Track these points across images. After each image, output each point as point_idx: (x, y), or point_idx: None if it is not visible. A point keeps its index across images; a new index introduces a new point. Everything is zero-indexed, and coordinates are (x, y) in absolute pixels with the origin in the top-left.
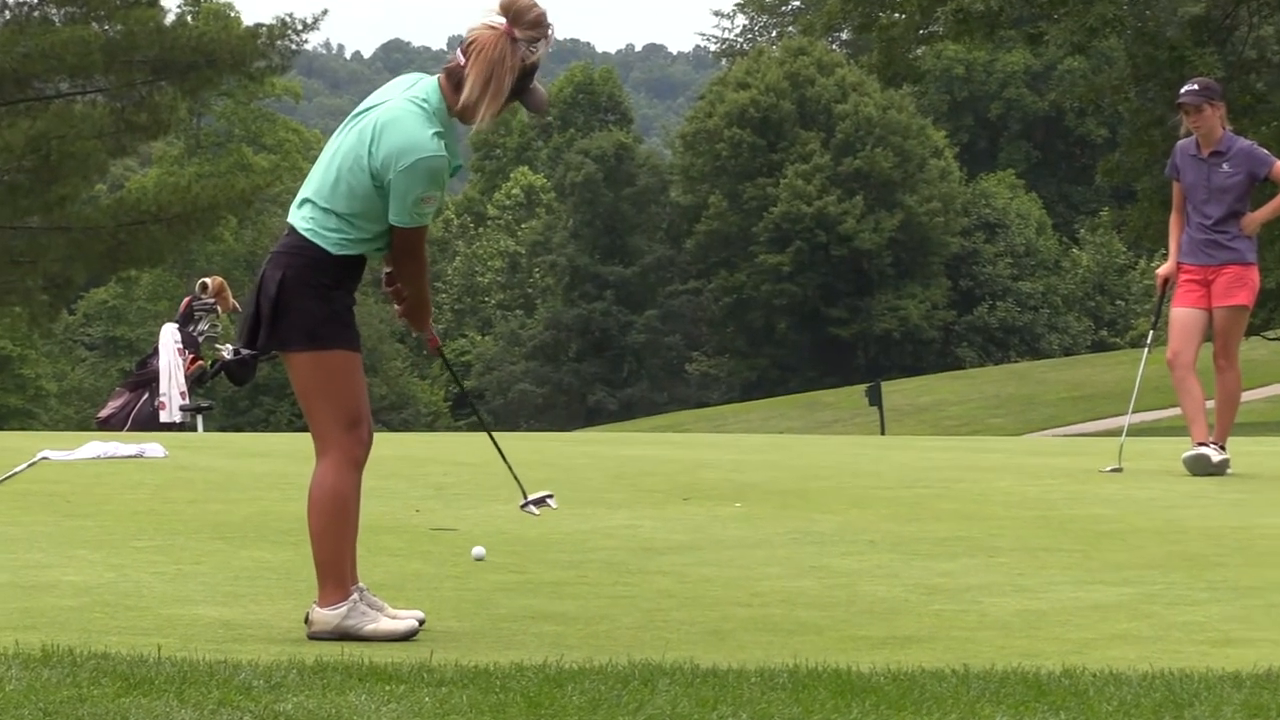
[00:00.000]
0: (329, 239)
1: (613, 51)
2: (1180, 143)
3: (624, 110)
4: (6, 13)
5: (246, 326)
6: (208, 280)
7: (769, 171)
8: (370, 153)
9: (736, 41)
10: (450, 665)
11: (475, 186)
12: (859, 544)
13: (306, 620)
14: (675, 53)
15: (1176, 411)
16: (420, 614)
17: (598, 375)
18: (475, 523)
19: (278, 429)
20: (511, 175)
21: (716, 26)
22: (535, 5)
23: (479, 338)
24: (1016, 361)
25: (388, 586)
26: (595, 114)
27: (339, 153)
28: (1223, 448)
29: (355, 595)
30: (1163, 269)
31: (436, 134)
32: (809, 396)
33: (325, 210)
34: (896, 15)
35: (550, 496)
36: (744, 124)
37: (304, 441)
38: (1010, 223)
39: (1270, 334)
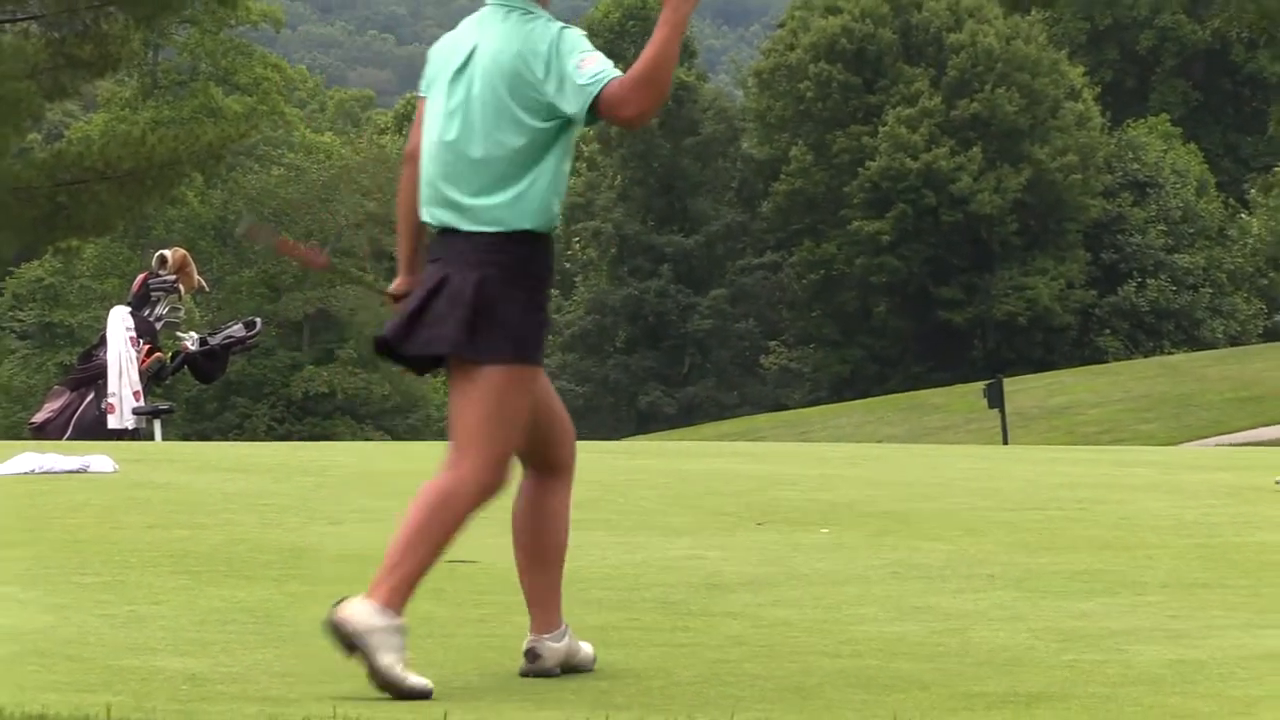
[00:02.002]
0: (538, 216)
1: None
2: None
3: (685, 40)
4: None
5: (403, 324)
6: (167, 253)
7: (865, 117)
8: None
9: None
10: None
11: None
12: (975, 579)
13: (529, 654)
14: None
15: None
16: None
17: (652, 370)
18: (499, 553)
19: (254, 437)
20: None
21: None
22: None
23: None
24: (1171, 353)
25: None
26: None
27: (481, 115)
28: None
29: None
30: None
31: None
32: (913, 396)
33: (510, 187)
34: None
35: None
36: (834, 58)
37: (284, 454)
38: (1164, 181)
39: None
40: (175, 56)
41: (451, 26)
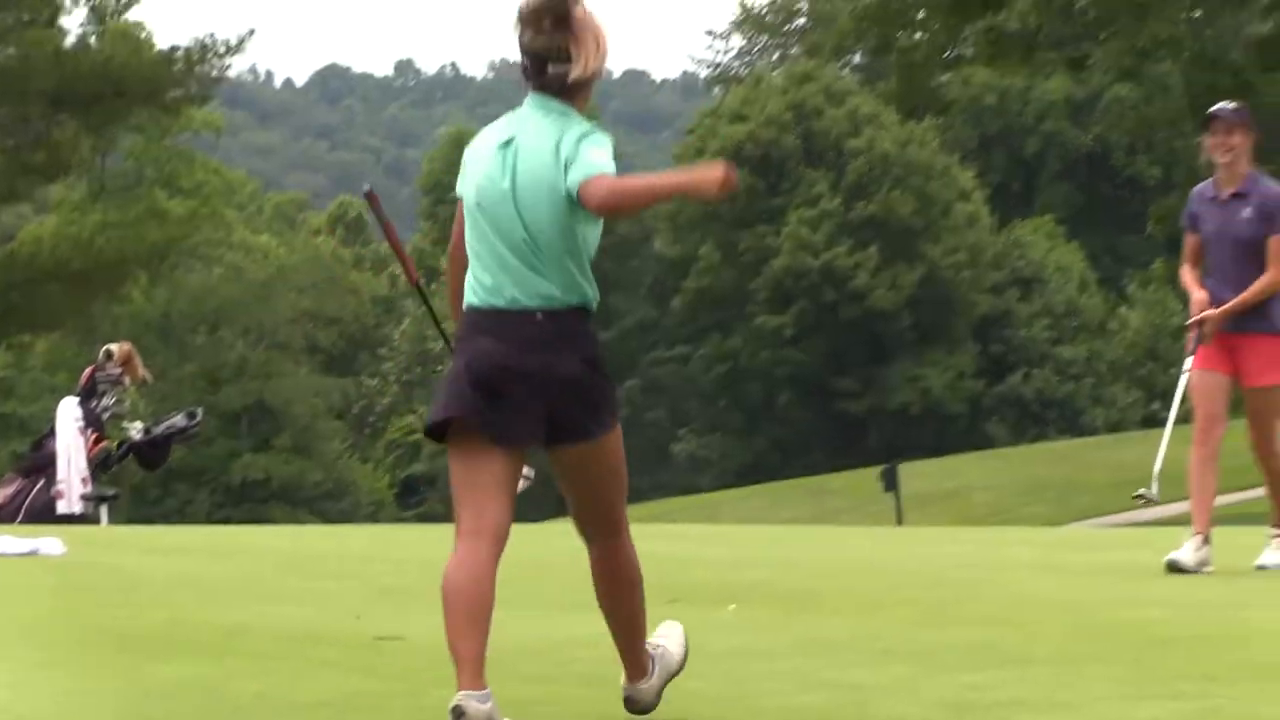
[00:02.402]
0: (588, 292)
1: None
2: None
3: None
4: None
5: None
6: (113, 347)
7: (769, 218)
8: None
9: (732, 66)
10: None
11: (427, 236)
12: (872, 653)
13: (628, 701)
14: (660, 80)
15: (1247, 495)
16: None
17: None
18: (427, 630)
19: (195, 521)
20: None
21: (709, 49)
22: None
23: None
24: (1055, 439)
25: (327, 705)
26: None
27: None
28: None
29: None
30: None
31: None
32: (815, 481)
33: (566, 265)
34: (918, 35)
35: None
36: (740, 162)
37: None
38: (1049, 278)
39: None
40: (122, 162)
41: (384, 134)
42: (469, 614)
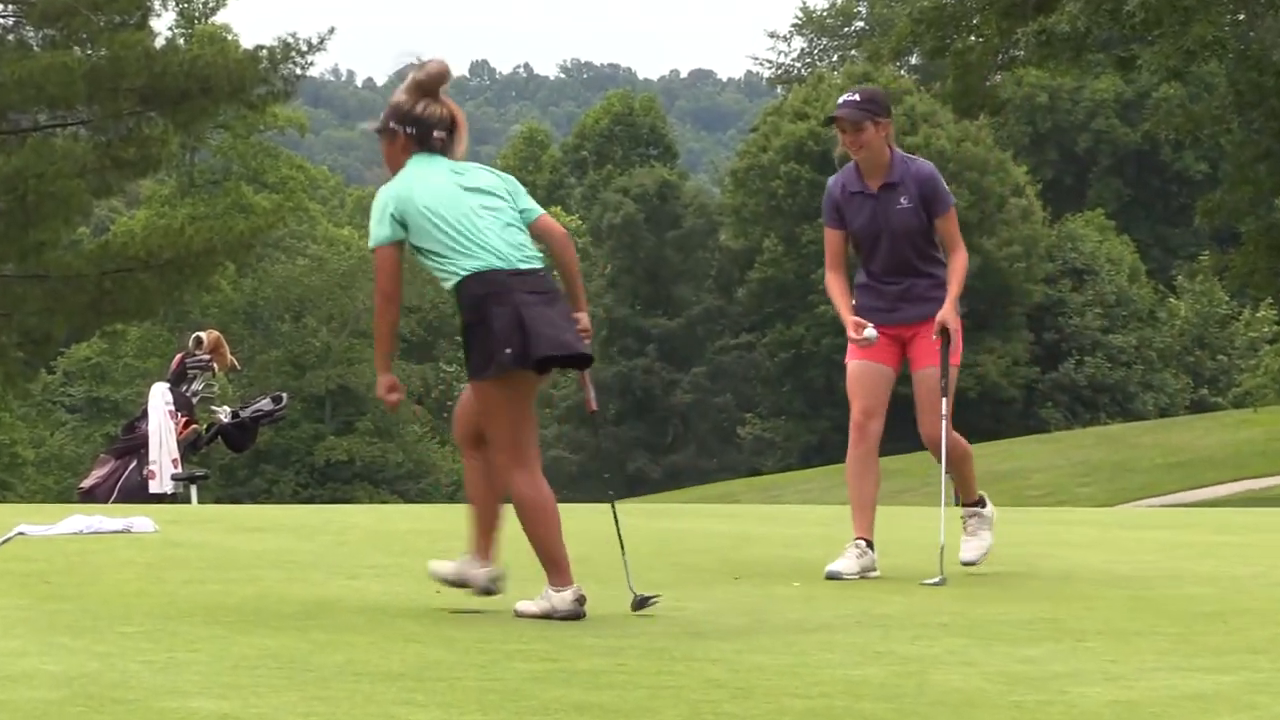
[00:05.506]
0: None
1: (655, 78)
2: None
3: (667, 143)
4: None
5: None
6: (202, 334)
7: None
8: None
9: (793, 66)
10: None
11: None
12: (930, 627)
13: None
14: (725, 79)
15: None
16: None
17: (639, 440)
18: (501, 603)
19: (281, 500)
20: None
21: (770, 50)
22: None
23: None
24: (1107, 423)
25: (404, 676)
26: (635, 148)
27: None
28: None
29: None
30: None
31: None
32: (881, 464)
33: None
34: (973, 39)
35: (656, 597)
36: (802, 158)
37: (307, 515)
38: (1100, 269)
39: None
40: (210, 158)
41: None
42: (559, 521)
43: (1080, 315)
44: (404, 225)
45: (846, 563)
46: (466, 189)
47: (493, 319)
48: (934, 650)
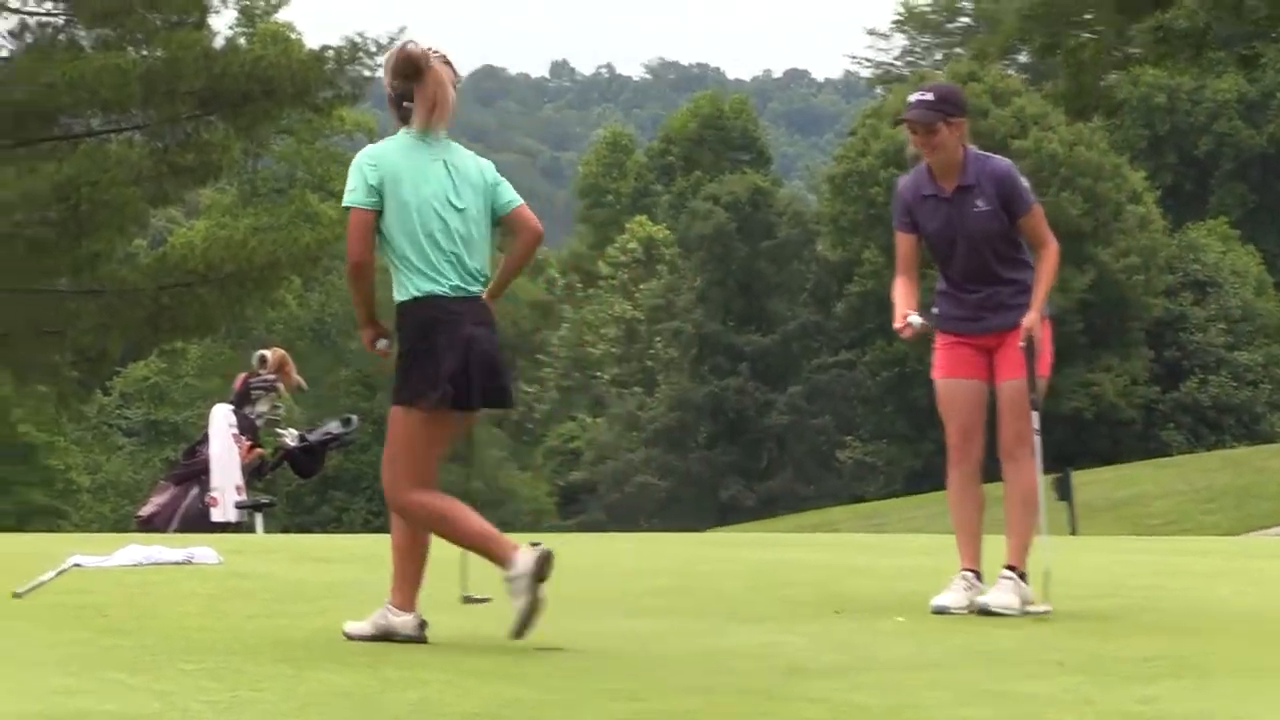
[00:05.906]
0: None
1: (746, 79)
2: None
3: (760, 148)
4: (29, 36)
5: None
6: (267, 353)
7: None
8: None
9: (894, 66)
10: None
11: (584, 240)
12: (1045, 664)
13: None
14: (821, 80)
15: None
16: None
17: (732, 464)
18: (584, 639)
19: (350, 529)
20: (627, 226)
21: (870, 48)
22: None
23: (590, 420)
24: (1233, 446)
25: (480, 716)
26: (726, 152)
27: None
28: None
29: None
30: None
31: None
32: (985, 489)
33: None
34: (1086, 35)
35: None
36: (903, 164)
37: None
38: (1223, 280)
39: None
40: (273, 165)
41: (539, 136)
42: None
43: (1203, 331)
44: (380, 198)
45: (954, 596)
46: (456, 207)
47: (439, 351)
48: (1049, 689)
